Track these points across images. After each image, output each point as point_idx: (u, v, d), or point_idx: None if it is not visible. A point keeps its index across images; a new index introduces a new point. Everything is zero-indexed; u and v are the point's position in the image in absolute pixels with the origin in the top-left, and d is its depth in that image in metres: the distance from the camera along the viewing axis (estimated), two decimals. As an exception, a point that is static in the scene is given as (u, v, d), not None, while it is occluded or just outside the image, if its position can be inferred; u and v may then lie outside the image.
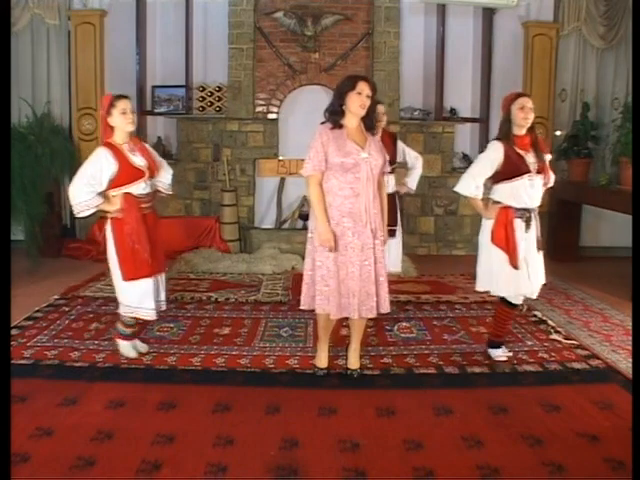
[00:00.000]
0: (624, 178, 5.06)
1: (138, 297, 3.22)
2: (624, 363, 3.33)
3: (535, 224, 3.18)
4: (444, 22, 6.54)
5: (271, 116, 6.43)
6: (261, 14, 6.27)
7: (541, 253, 3.25)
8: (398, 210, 4.13)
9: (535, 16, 6.33)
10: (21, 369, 3.12)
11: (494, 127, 6.61)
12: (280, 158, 6.40)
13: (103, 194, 3.12)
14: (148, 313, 3.26)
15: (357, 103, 2.88)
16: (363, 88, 2.87)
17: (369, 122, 2.98)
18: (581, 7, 6.24)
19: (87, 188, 3.06)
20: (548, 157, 3.23)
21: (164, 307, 3.42)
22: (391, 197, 3.99)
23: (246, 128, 6.36)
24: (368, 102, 2.89)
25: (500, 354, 3.38)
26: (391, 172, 4.01)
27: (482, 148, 6.76)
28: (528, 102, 3.14)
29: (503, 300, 3.31)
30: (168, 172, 3.47)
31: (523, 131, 3.15)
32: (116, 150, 3.11)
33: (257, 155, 6.41)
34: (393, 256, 4.05)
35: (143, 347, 3.45)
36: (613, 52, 6.38)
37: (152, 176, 3.26)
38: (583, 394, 2.93)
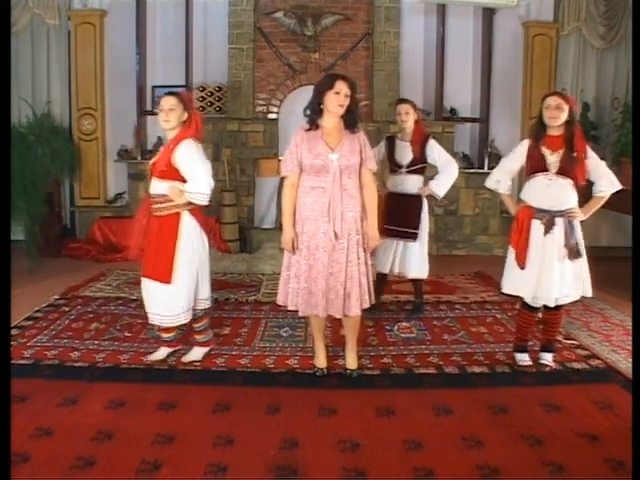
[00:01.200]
0: (624, 178, 5.05)
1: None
2: (624, 363, 3.33)
3: (567, 230, 3.06)
4: (444, 22, 6.54)
5: (271, 116, 6.43)
6: (261, 14, 6.28)
7: (578, 262, 3.09)
8: (423, 212, 4.00)
9: (535, 16, 6.33)
10: (21, 369, 3.11)
11: (494, 127, 6.63)
12: (280, 158, 6.37)
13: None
14: (149, 315, 3.24)
15: (335, 102, 2.88)
16: (341, 87, 2.87)
17: (351, 120, 2.97)
18: (581, 7, 6.25)
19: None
20: (593, 157, 3.10)
21: (153, 320, 3.22)
22: (416, 199, 3.99)
23: (246, 128, 6.36)
24: (346, 101, 2.90)
25: (523, 358, 3.31)
26: (418, 173, 3.97)
27: (482, 148, 6.81)
28: (555, 101, 3.05)
29: (523, 303, 3.27)
30: (197, 181, 3.08)
31: (556, 131, 3.07)
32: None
33: (257, 155, 6.41)
34: (417, 261, 3.98)
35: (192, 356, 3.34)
36: (613, 52, 6.39)
37: (159, 177, 3.09)
38: (583, 394, 2.93)
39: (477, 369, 3.26)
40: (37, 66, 6.21)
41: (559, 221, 3.06)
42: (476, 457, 2.35)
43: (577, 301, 4.54)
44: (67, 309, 4.22)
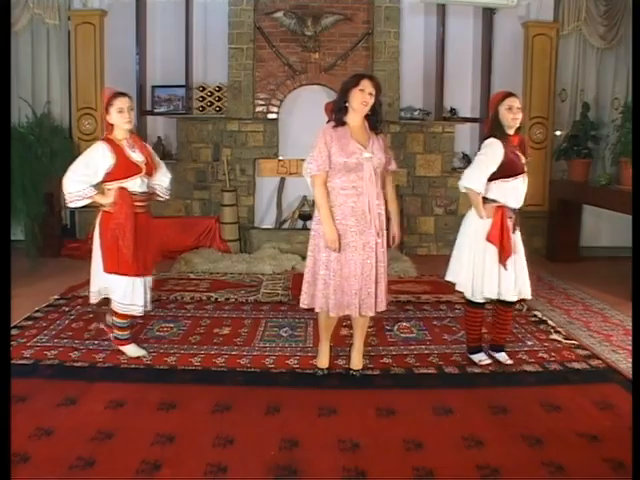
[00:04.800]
0: (624, 178, 5.06)
1: (122, 292, 3.21)
2: (624, 363, 3.33)
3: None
4: (444, 22, 6.54)
5: (271, 116, 6.43)
6: (261, 14, 6.27)
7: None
8: None
9: (535, 16, 6.32)
10: (21, 369, 3.12)
11: (494, 127, 6.62)
12: (280, 158, 6.39)
13: (99, 187, 3.17)
14: (128, 309, 3.24)
15: (359, 100, 2.90)
16: (366, 85, 2.90)
17: (374, 121, 2.99)
18: (581, 7, 6.24)
19: (79, 178, 3.11)
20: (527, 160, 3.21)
21: (149, 307, 3.37)
22: None
23: (246, 128, 6.35)
24: (370, 100, 2.91)
25: (482, 357, 3.32)
26: None
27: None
28: (516, 102, 3.10)
29: (469, 301, 3.27)
30: (166, 175, 3.44)
31: (512, 131, 3.13)
32: (114, 145, 3.14)
33: (257, 155, 6.41)
34: None
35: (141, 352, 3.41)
36: (613, 52, 6.38)
37: (149, 174, 3.24)
38: (583, 394, 2.93)
39: (477, 369, 3.25)
40: (37, 66, 6.21)
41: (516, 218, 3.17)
42: (476, 457, 2.35)
43: (577, 301, 4.60)
44: (67, 309, 4.22)
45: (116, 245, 3.13)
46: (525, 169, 3.12)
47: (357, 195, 2.90)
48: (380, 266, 2.99)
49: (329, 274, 2.94)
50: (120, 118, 3.11)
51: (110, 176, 3.12)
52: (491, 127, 3.17)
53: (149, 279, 3.32)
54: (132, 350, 3.35)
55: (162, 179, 3.41)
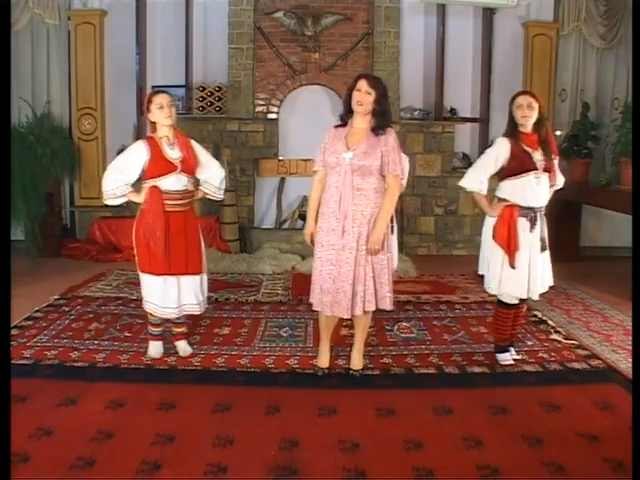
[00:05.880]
0: (624, 178, 5.06)
1: (156, 293, 3.21)
2: (624, 363, 3.33)
3: (540, 224, 3.15)
4: (444, 22, 6.54)
5: (271, 116, 6.43)
6: (261, 14, 6.27)
7: (546, 254, 3.20)
8: None
9: (535, 16, 6.33)
10: (21, 369, 3.12)
11: (494, 127, 6.62)
12: (280, 158, 6.39)
13: (137, 185, 3.22)
14: (163, 312, 3.24)
15: (354, 100, 2.94)
16: (361, 85, 2.93)
17: (377, 122, 2.98)
18: (581, 7, 6.24)
19: (115, 176, 3.16)
20: (556, 158, 3.23)
21: (201, 308, 3.35)
22: None
23: (246, 128, 6.36)
24: (366, 98, 2.92)
25: (506, 357, 3.32)
26: None
27: (482, 148, 6.80)
28: (526, 100, 3.11)
29: (501, 302, 3.28)
30: (217, 174, 3.37)
31: (527, 129, 3.13)
32: (153, 142, 3.16)
33: (257, 155, 6.41)
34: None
35: (184, 350, 3.40)
36: (613, 52, 6.38)
37: (187, 172, 3.17)
38: (583, 394, 2.93)
39: (477, 369, 3.26)
40: (37, 66, 6.21)
41: (538, 216, 3.14)
42: (476, 457, 2.35)
43: (577, 301, 4.60)
44: (67, 309, 4.22)
45: (147, 244, 3.14)
46: (539, 166, 3.08)
47: (337, 195, 2.93)
48: (359, 269, 2.93)
49: (315, 269, 3.04)
50: (160, 114, 3.12)
51: (146, 174, 3.15)
52: (507, 125, 3.22)
53: (196, 278, 3.27)
54: (153, 349, 3.35)
55: (212, 177, 3.35)
